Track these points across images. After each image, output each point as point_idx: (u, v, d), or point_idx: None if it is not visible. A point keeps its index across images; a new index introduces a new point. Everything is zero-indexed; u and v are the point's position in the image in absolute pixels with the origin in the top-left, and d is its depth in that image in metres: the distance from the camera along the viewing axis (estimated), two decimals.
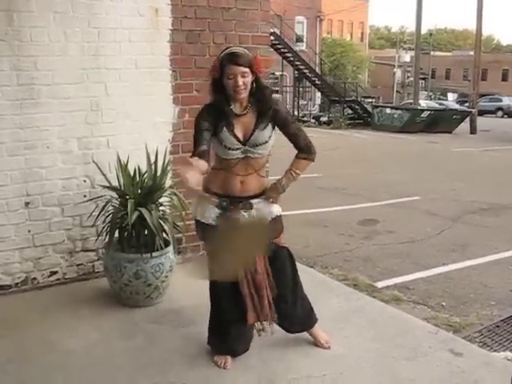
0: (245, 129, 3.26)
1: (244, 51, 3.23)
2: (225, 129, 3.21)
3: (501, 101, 46.67)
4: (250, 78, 3.18)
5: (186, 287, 4.61)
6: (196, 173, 2.68)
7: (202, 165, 2.88)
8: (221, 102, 3.23)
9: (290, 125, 3.39)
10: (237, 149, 3.23)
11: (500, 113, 45.11)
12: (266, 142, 3.28)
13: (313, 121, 32.89)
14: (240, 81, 3.13)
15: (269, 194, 3.41)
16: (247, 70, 3.15)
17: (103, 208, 4.39)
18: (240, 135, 3.25)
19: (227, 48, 3.28)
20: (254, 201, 3.35)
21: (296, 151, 3.45)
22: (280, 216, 3.49)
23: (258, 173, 3.37)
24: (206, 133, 3.15)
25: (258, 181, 3.39)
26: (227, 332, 3.53)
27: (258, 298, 3.44)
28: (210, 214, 3.34)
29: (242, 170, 3.30)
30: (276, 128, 3.34)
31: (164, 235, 4.37)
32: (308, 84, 34.21)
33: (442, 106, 35.01)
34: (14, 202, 4.48)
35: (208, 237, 3.42)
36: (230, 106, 3.24)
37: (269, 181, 3.56)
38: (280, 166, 3.65)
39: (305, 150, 3.41)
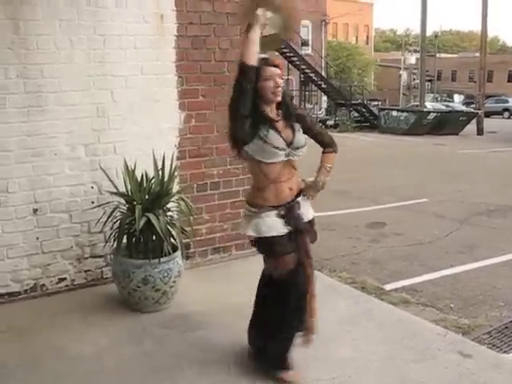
0: (284, 132, 3.25)
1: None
2: (271, 130, 3.18)
3: (507, 102, 46.48)
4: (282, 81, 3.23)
5: (193, 292, 4.62)
6: None
7: None
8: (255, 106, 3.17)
9: (314, 126, 3.50)
10: (283, 149, 3.20)
11: (507, 114, 44.93)
12: (305, 143, 3.33)
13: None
14: (280, 81, 3.18)
15: (308, 192, 3.40)
16: (280, 72, 3.21)
17: (111, 214, 4.40)
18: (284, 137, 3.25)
19: None
20: (298, 199, 3.35)
21: (322, 149, 3.52)
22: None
23: (297, 173, 3.39)
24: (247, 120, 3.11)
25: (298, 180, 3.40)
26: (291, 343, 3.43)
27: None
28: (276, 225, 3.24)
29: (287, 174, 3.27)
30: None
31: (172, 240, 4.37)
32: (314, 88, 34.20)
33: (448, 108, 34.92)
34: (22, 209, 4.50)
35: (280, 248, 3.26)
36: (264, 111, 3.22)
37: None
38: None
39: (330, 145, 3.50)
